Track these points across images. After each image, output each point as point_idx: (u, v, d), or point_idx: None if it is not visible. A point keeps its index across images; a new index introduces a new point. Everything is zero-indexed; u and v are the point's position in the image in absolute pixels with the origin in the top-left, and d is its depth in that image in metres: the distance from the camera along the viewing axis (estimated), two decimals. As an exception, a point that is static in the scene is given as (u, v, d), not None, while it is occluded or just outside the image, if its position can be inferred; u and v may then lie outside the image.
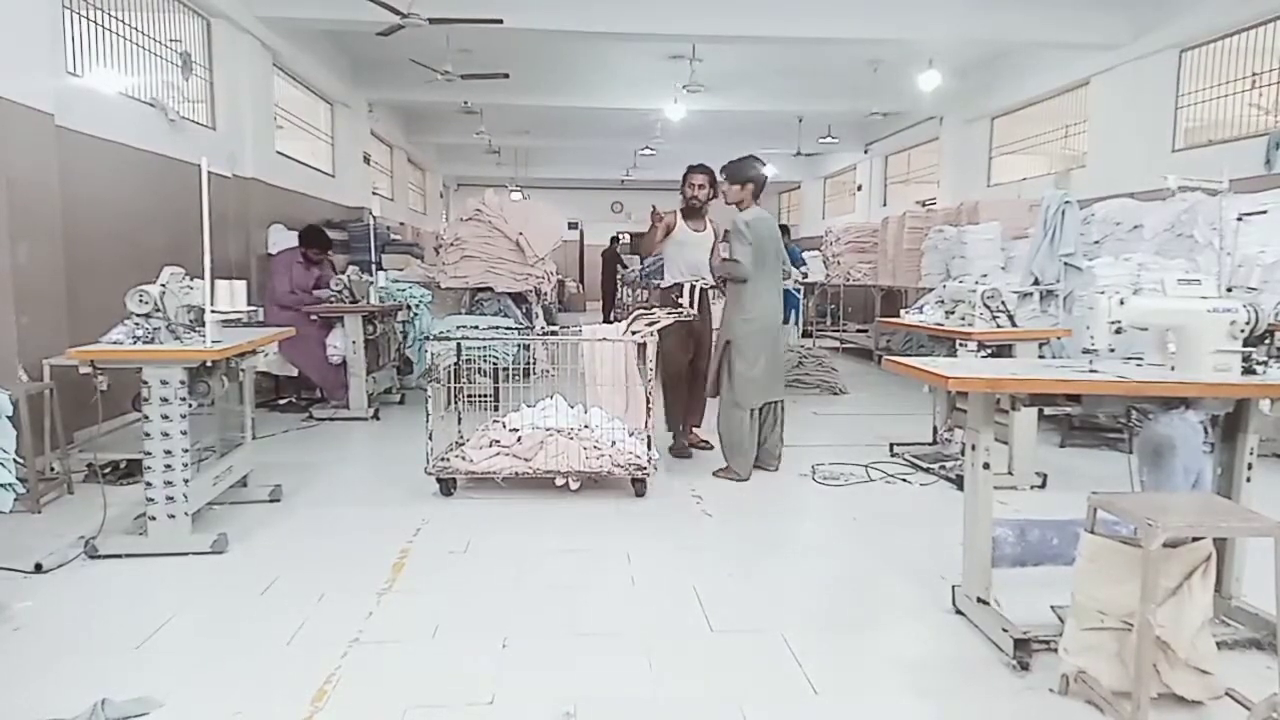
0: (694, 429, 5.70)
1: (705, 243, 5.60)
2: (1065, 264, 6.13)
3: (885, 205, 15.74)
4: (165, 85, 6.88)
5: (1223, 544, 2.84)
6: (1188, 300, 2.80)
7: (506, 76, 10.25)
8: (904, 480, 5.02)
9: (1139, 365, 2.99)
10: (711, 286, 5.52)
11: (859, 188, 17.05)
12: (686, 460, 5.41)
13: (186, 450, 3.58)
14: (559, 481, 4.55)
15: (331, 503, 4.49)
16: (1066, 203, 6.12)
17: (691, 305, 5.45)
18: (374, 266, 7.72)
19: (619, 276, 15.25)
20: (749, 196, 5.12)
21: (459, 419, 5.04)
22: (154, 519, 3.57)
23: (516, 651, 2.78)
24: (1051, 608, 2.90)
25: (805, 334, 12.49)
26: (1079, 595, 2.51)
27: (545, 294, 8.73)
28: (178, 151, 6.65)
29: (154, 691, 2.44)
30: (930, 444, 5.46)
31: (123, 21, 6.27)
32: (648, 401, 4.70)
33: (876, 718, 2.46)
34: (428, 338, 7.65)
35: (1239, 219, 5.79)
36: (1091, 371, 2.85)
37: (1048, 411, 4.28)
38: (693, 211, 5.58)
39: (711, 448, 5.39)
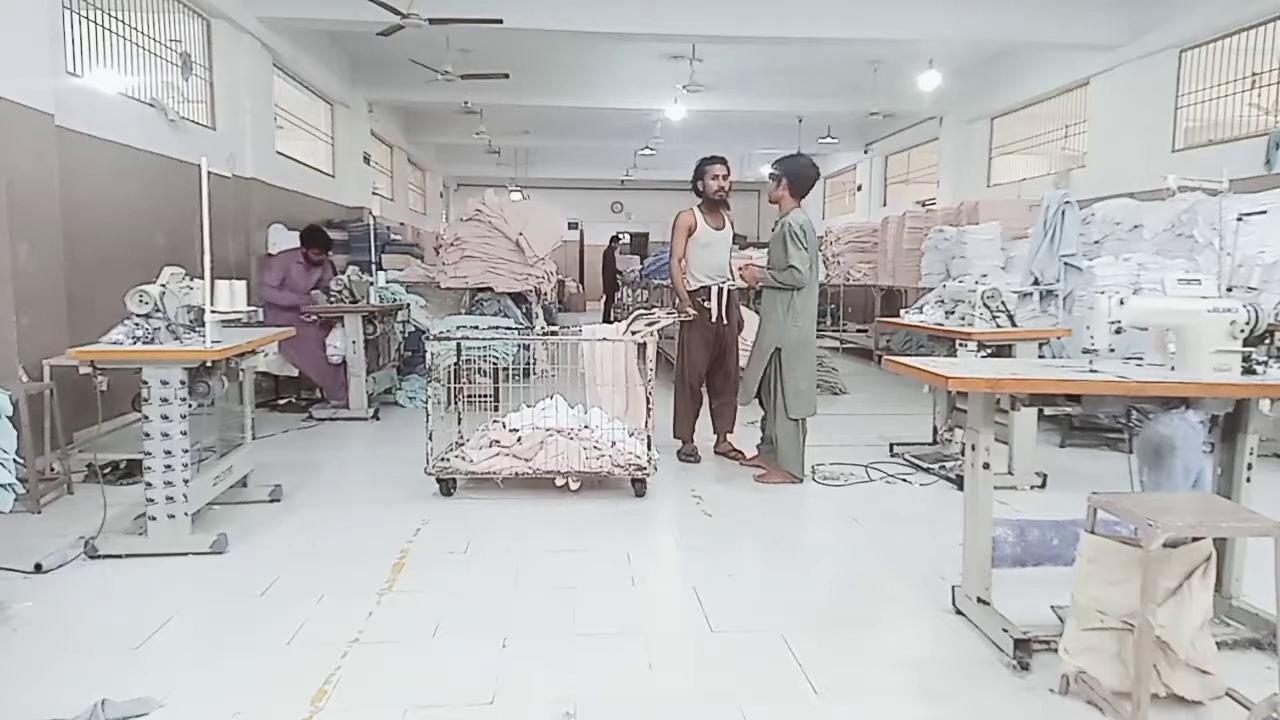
0: (727, 435, 5.44)
1: (727, 240, 5.36)
2: (1065, 264, 6.12)
3: (885, 205, 15.74)
4: (165, 85, 6.88)
5: (1223, 544, 2.85)
6: (1188, 300, 2.80)
7: (506, 76, 10.26)
8: (904, 480, 5.02)
9: (1139, 365, 2.99)
10: (738, 289, 5.27)
11: (859, 188, 17.06)
12: (692, 464, 5.31)
13: (186, 450, 3.57)
14: (559, 482, 4.54)
15: (331, 503, 4.49)
16: (1066, 203, 6.12)
17: (719, 309, 5.27)
18: (374, 266, 7.72)
19: (618, 276, 15.27)
20: (787, 195, 4.82)
21: (459, 419, 5.04)
22: (154, 519, 3.57)
23: (516, 651, 2.77)
24: (1051, 608, 2.90)
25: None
26: (1079, 595, 2.51)
27: (545, 294, 8.73)
28: (178, 151, 6.65)
29: (154, 691, 2.44)
30: (930, 444, 5.46)
31: (122, 21, 6.27)
32: (648, 401, 4.70)
33: (876, 718, 2.45)
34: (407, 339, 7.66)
35: (1239, 219, 5.78)
36: (1091, 371, 2.84)
37: (1048, 411, 4.26)
38: (713, 206, 5.30)
39: (744, 459, 5.25)
